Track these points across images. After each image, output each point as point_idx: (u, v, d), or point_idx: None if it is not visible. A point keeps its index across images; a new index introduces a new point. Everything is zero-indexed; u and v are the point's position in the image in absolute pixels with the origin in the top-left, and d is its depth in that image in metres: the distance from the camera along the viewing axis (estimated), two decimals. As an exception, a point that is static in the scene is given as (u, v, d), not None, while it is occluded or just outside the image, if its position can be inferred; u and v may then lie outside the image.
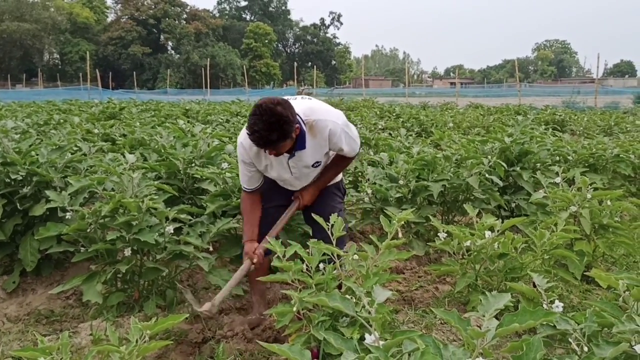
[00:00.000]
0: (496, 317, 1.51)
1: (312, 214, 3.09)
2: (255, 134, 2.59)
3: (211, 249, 3.61)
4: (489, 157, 4.42)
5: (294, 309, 2.38)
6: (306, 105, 2.90)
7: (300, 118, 2.81)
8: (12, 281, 3.68)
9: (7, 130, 4.04)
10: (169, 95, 35.00)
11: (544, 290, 2.06)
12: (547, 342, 1.94)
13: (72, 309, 3.50)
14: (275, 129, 2.57)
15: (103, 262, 3.19)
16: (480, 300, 2.97)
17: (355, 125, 9.59)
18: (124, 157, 3.70)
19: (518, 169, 4.64)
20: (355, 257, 2.57)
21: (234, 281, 2.90)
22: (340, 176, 3.24)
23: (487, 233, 3.05)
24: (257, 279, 2.92)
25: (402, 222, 2.64)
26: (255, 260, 2.93)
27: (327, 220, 3.01)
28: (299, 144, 2.83)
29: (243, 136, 2.90)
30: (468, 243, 3.13)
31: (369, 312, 1.51)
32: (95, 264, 3.46)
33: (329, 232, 2.88)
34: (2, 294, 3.64)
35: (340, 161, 3.11)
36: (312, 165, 2.96)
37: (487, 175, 4.33)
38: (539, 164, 4.84)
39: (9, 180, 3.69)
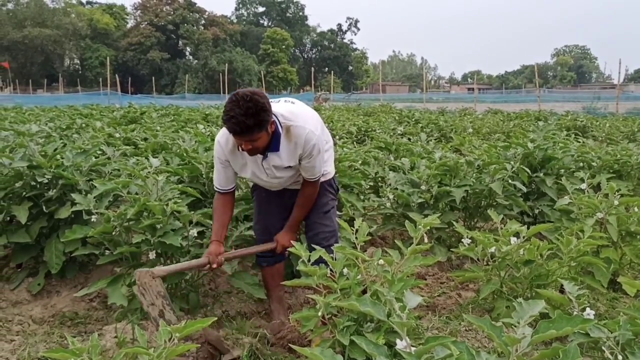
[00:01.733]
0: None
1: (309, 215, 3.12)
2: (232, 119, 2.58)
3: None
4: (512, 162, 4.38)
5: (319, 313, 2.38)
6: (287, 109, 2.91)
7: (278, 119, 2.81)
8: (37, 283, 3.72)
9: (32, 134, 4.08)
10: (187, 100, 35.27)
11: (575, 298, 2.03)
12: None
13: (96, 312, 3.53)
14: (252, 115, 2.57)
15: (127, 265, 3.20)
16: (508, 307, 2.95)
17: (374, 130, 9.57)
18: (148, 160, 3.72)
19: (541, 175, 4.59)
20: (381, 262, 2.56)
21: (181, 266, 2.84)
22: (331, 173, 3.24)
23: (513, 239, 3.02)
24: (281, 283, 2.93)
25: (428, 228, 2.63)
26: (214, 266, 2.90)
27: (320, 217, 3.12)
28: (274, 144, 2.83)
29: (220, 134, 2.93)
30: (493, 249, 3.10)
31: (400, 318, 1.50)
32: (119, 267, 3.49)
33: (321, 231, 3.01)
34: (28, 296, 3.68)
35: (304, 194, 3.09)
36: (285, 168, 2.95)
37: (510, 181, 4.29)
38: (562, 170, 4.79)
39: (35, 183, 3.74)
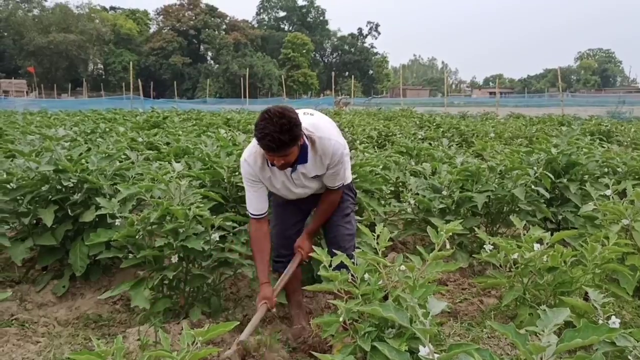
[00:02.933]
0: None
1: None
2: (267, 137, 2.59)
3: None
4: (535, 168, 4.34)
5: (341, 319, 2.37)
6: (310, 121, 2.93)
7: (304, 133, 2.82)
8: (62, 285, 3.78)
9: (59, 139, 4.15)
10: (208, 105, 35.51)
11: (600, 305, 2.00)
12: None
13: (119, 314, 3.57)
14: (286, 131, 2.59)
15: (150, 268, 3.24)
16: (531, 315, 2.91)
17: (395, 135, 9.55)
18: (171, 165, 3.76)
19: (565, 180, 4.53)
20: (402, 267, 2.55)
21: (252, 327, 2.82)
22: (350, 177, 3.26)
23: (536, 246, 2.99)
24: (303, 288, 2.94)
25: (450, 234, 2.61)
26: (273, 309, 3.01)
27: (342, 220, 3.15)
28: (301, 157, 2.86)
29: (246, 154, 2.95)
30: (515, 256, 3.07)
31: (424, 324, 1.50)
32: (142, 270, 3.53)
33: (341, 234, 3.03)
34: (53, 298, 3.74)
35: (326, 202, 3.13)
36: (313, 177, 3.00)
37: (533, 186, 4.25)
38: (586, 176, 4.72)
39: (60, 187, 3.80)
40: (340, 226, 3.15)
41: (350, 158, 3.66)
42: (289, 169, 2.91)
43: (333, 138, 2.90)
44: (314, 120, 2.96)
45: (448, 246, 2.82)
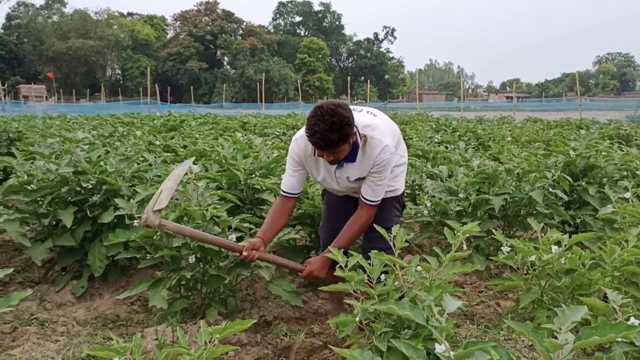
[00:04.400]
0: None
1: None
2: (316, 135, 2.56)
3: (271, 258, 3.65)
4: (553, 171, 4.31)
5: (357, 319, 2.38)
6: (368, 120, 2.86)
7: (358, 130, 2.77)
8: (81, 286, 3.82)
9: (78, 141, 4.21)
10: (225, 109, 35.76)
11: (618, 306, 1.99)
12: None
13: (136, 314, 3.61)
14: (337, 130, 2.54)
15: (167, 268, 3.27)
16: (548, 317, 2.89)
17: (411, 138, 9.53)
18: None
19: (583, 183, 4.49)
20: (419, 268, 2.55)
21: (213, 239, 2.81)
22: (400, 189, 3.15)
23: (554, 248, 2.97)
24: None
25: (467, 235, 2.61)
26: (243, 255, 2.80)
27: (379, 233, 3.01)
28: (352, 154, 2.79)
29: (300, 134, 2.90)
30: (533, 258, 3.05)
31: (440, 322, 1.50)
32: (159, 271, 3.56)
33: (386, 244, 2.83)
34: (72, 298, 3.78)
35: (355, 224, 2.94)
36: (355, 180, 2.90)
37: (550, 189, 4.22)
38: (605, 179, 4.67)
39: (79, 189, 3.85)
40: (378, 238, 2.89)
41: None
42: (334, 166, 2.85)
43: (385, 141, 2.78)
44: (373, 121, 2.87)
45: (465, 247, 2.79)
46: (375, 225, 2.81)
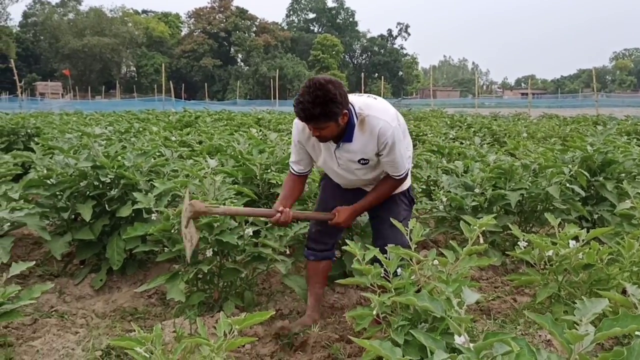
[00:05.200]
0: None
1: (376, 222, 3.09)
2: (300, 105, 2.60)
3: (288, 252, 3.67)
4: (570, 166, 4.28)
5: (374, 312, 2.39)
6: (366, 101, 2.87)
7: (354, 110, 2.79)
8: (100, 279, 3.86)
9: (96, 136, 4.26)
10: (238, 106, 35.82)
11: (638, 300, 1.98)
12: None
13: (154, 307, 3.64)
14: (319, 104, 2.56)
15: (185, 262, 3.29)
16: (566, 312, 2.88)
17: (425, 135, 9.50)
18: (206, 161, 3.82)
19: (601, 179, 4.46)
20: (435, 262, 2.55)
21: (245, 211, 3.01)
22: (408, 184, 3.15)
23: (572, 243, 2.95)
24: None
25: (483, 229, 2.60)
26: (282, 220, 2.90)
27: (391, 227, 2.95)
28: (347, 135, 2.80)
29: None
30: (550, 253, 3.04)
31: (459, 313, 1.50)
32: (177, 264, 3.59)
33: (395, 239, 2.87)
34: (90, 291, 3.83)
35: (384, 186, 3.01)
36: (359, 162, 2.89)
37: (567, 184, 4.19)
38: (623, 174, 4.63)
39: (98, 183, 3.90)
40: (388, 233, 3.02)
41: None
42: (333, 146, 2.87)
43: (383, 118, 2.77)
44: (371, 101, 2.88)
45: (482, 241, 2.79)
46: (392, 219, 2.83)
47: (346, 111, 2.70)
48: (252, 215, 3.08)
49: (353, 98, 2.85)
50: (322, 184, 3.35)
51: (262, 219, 3.28)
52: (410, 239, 2.67)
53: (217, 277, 3.34)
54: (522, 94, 76.03)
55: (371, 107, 2.83)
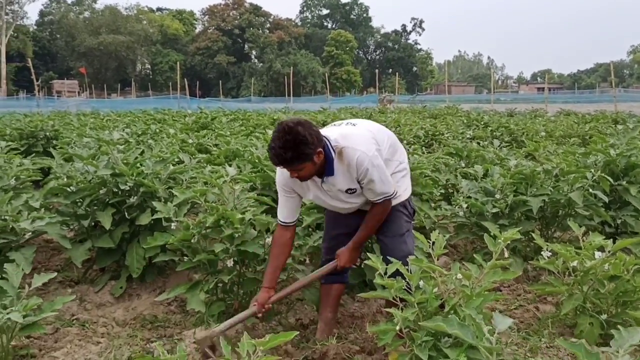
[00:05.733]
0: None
1: (379, 236, 3.06)
2: (272, 150, 2.63)
3: (307, 261, 3.65)
4: (592, 170, 4.20)
5: (397, 327, 2.36)
6: (342, 132, 2.87)
7: (330, 144, 2.78)
8: (120, 286, 3.88)
9: (115, 143, 4.27)
10: (253, 103, 35.85)
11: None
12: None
13: (173, 315, 3.65)
14: (290, 148, 2.58)
15: (205, 271, 3.29)
16: (591, 324, 2.83)
17: (442, 134, 9.43)
18: (224, 169, 3.81)
19: (624, 183, 4.38)
20: (459, 276, 2.52)
21: (234, 320, 2.88)
22: (405, 196, 3.10)
23: (597, 254, 2.90)
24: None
25: (508, 242, 2.56)
26: (259, 316, 2.94)
27: (396, 241, 2.98)
28: (328, 169, 2.80)
29: None
30: (575, 263, 2.99)
31: (490, 342, 1.47)
32: (196, 273, 3.59)
33: (396, 256, 2.78)
34: (111, 299, 3.84)
35: (373, 213, 2.96)
36: (347, 191, 2.88)
37: (590, 190, 4.12)
38: (647, 178, 4.54)
39: (117, 190, 3.90)
40: (393, 247, 2.98)
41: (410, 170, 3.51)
42: (319, 180, 2.87)
43: (359, 149, 2.76)
44: (346, 131, 2.88)
45: (506, 254, 2.74)
46: (387, 235, 2.94)
47: (320, 149, 2.70)
48: (240, 321, 2.96)
49: (329, 131, 2.88)
50: (325, 214, 3.31)
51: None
52: (433, 251, 2.64)
53: (237, 286, 3.33)
54: (538, 88, 75.32)
55: (348, 137, 2.83)
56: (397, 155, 3.08)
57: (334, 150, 2.79)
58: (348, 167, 2.79)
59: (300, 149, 2.60)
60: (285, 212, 3.01)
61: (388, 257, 2.70)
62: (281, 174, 2.94)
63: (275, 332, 3.35)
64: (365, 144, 2.82)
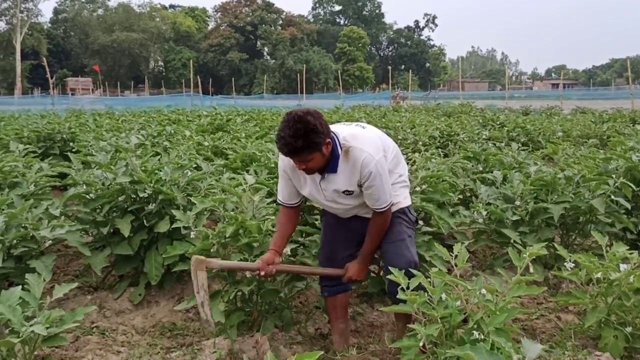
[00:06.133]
0: None
1: (382, 244, 3.03)
2: (282, 140, 2.59)
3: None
4: (614, 176, 4.14)
5: (420, 343, 2.34)
6: (352, 131, 2.85)
7: (338, 140, 2.76)
8: (139, 293, 3.89)
9: (134, 150, 4.27)
10: (265, 100, 35.88)
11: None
12: None
13: (192, 322, 3.65)
14: (301, 136, 2.55)
15: (224, 281, 3.28)
16: (615, 337, 2.79)
17: (457, 135, 9.34)
18: (243, 177, 3.80)
19: (646, 189, 4.31)
20: (483, 291, 2.49)
21: (235, 265, 2.98)
22: (406, 201, 3.06)
23: (622, 266, 2.85)
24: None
25: (534, 257, 2.53)
26: (262, 274, 2.88)
27: (395, 247, 2.94)
28: (331, 166, 2.78)
29: None
30: (599, 275, 2.94)
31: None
32: (216, 284, 3.58)
33: (395, 263, 2.78)
34: (129, 306, 3.85)
35: (374, 225, 2.94)
36: (343, 192, 2.85)
37: (612, 196, 4.06)
38: (670, 184, 4.47)
39: (135, 197, 3.91)
40: (393, 253, 2.93)
41: (410, 181, 3.48)
42: (318, 177, 2.84)
43: (367, 150, 2.73)
44: (356, 132, 2.86)
45: (531, 269, 2.70)
46: (388, 243, 2.93)
47: (329, 140, 2.68)
48: (239, 269, 3.03)
49: (339, 128, 2.86)
50: (323, 221, 3.28)
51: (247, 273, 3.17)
52: (456, 265, 2.61)
53: (257, 296, 3.32)
54: (553, 84, 74.70)
55: (357, 138, 2.80)
56: (398, 167, 3.05)
57: (341, 147, 2.77)
58: (352, 167, 2.76)
59: (311, 138, 2.58)
60: (285, 194, 3.01)
61: (390, 264, 2.70)
62: (282, 162, 2.93)
63: (294, 341, 3.36)
64: (374, 147, 2.80)
